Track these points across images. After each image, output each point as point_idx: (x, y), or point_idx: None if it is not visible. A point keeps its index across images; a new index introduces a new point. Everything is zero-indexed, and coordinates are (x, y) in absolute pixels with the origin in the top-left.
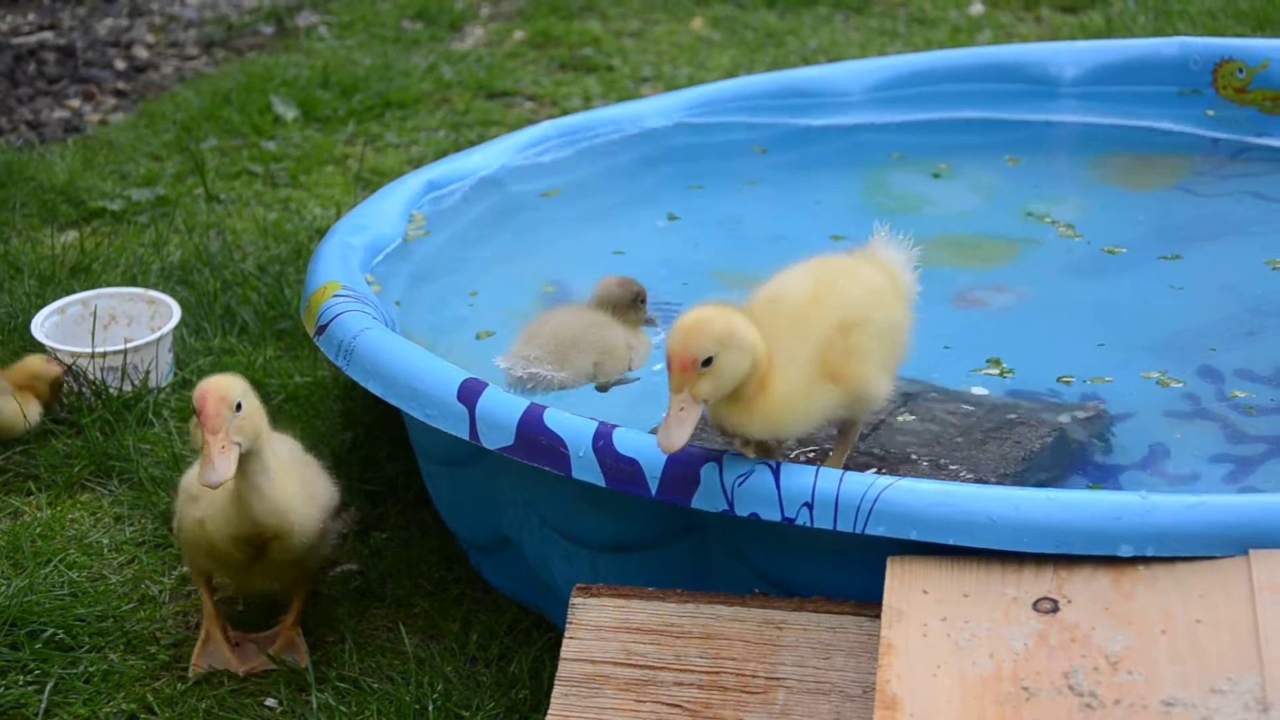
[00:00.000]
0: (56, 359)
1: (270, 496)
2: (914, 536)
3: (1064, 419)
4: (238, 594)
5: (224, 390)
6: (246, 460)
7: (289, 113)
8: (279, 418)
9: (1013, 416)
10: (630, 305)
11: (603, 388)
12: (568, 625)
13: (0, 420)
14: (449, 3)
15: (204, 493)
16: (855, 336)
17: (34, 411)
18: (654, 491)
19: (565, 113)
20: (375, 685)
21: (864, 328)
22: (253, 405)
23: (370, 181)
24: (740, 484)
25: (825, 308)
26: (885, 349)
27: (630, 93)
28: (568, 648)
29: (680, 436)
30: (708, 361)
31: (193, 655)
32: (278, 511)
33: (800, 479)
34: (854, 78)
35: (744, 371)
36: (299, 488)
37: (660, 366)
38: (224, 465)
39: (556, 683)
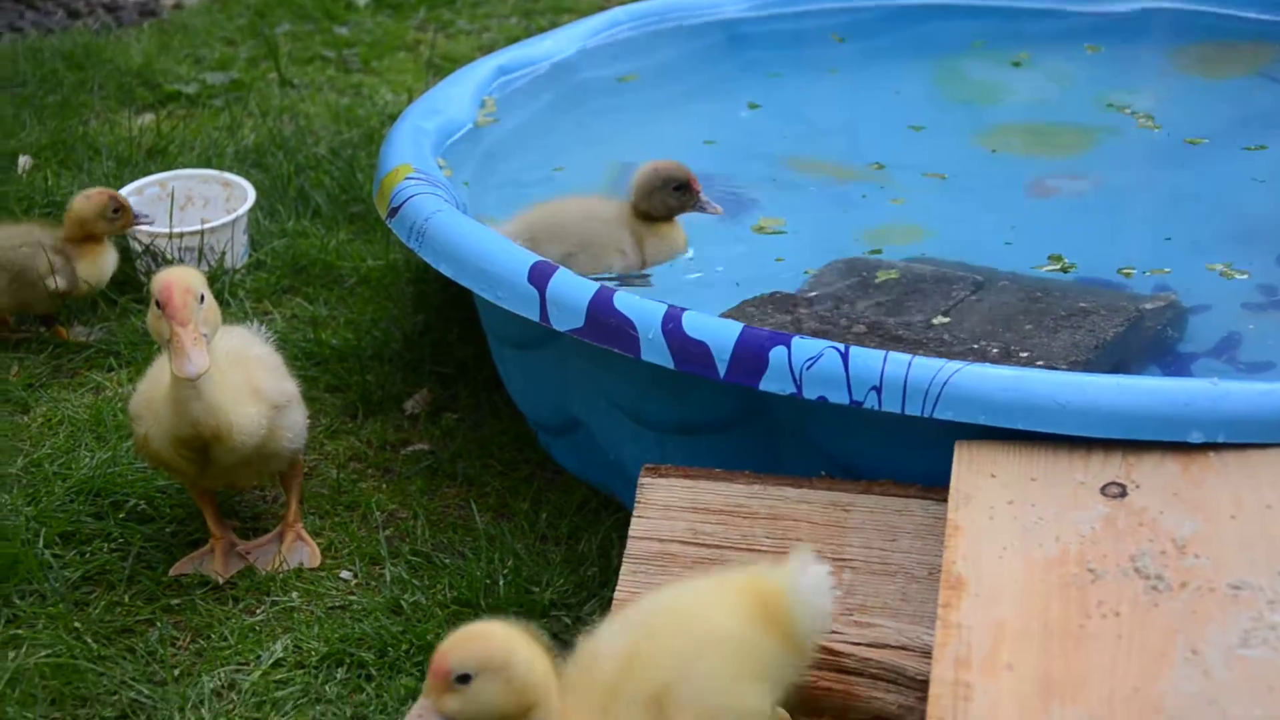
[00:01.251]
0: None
1: (207, 395)
2: (982, 421)
3: (1137, 308)
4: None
5: (188, 281)
6: None
7: None
8: (352, 300)
9: (1085, 305)
10: (660, 190)
11: None
12: (636, 504)
13: (75, 289)
14: None
15: (144, 409)
16: None
17: (106, 263)
18: (722, 374)
19: None
20: (447, 560)
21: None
22: (210, 298)
23: (441, 68)
24: (809, 367)
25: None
26: None
27: None
28: (636, 526)
29: None
30: (464, 679)
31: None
32: (213, 410)
33: (869, 363)
34: None
35: (502, 708)
36: (241, 384)
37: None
38: (199, 356)
39: (625, 560)
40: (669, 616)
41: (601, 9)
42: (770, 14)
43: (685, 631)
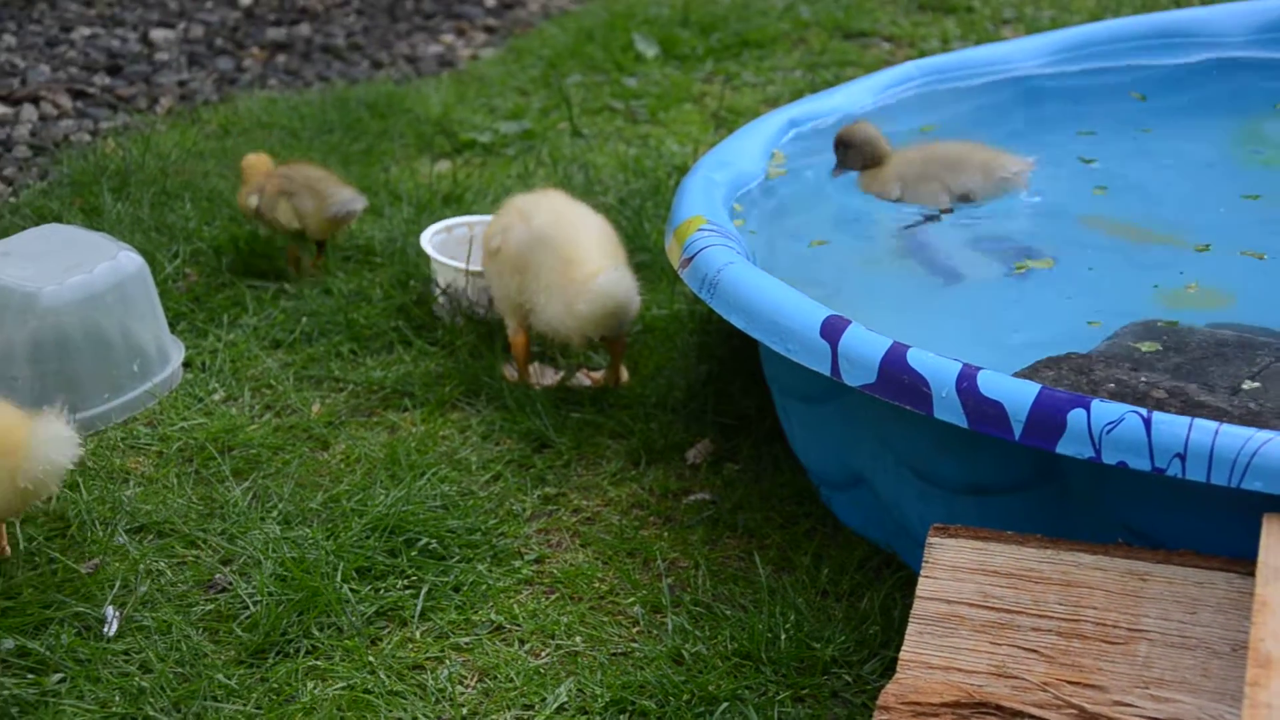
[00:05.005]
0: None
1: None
2: None
3: None
4: None
5: None
6: None
7: (650, 50)
8: (636, 348)
9: None
10: None
11: None
12: (924, 564)
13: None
14: None
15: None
16: None
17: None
18: (1018, 435)
19: (923, 54)
20: (728, 611)
21: None
22: None
23: (726, 120)
24: (1109, 431)
25: None
26: None
27: (990, 35)
28: (924, 586)
29: None
30: None
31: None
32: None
33: (1173, 428)
34: (1236, 19)
35: None
36: None
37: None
38: None
39: (911, 620)
40: None
41: (886, 64)
42: (1064, 70)
43: None
